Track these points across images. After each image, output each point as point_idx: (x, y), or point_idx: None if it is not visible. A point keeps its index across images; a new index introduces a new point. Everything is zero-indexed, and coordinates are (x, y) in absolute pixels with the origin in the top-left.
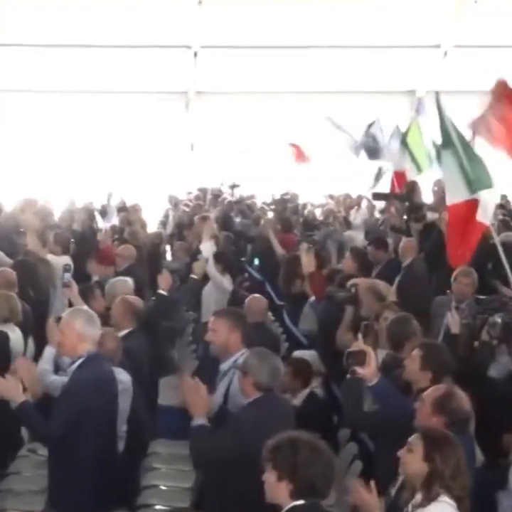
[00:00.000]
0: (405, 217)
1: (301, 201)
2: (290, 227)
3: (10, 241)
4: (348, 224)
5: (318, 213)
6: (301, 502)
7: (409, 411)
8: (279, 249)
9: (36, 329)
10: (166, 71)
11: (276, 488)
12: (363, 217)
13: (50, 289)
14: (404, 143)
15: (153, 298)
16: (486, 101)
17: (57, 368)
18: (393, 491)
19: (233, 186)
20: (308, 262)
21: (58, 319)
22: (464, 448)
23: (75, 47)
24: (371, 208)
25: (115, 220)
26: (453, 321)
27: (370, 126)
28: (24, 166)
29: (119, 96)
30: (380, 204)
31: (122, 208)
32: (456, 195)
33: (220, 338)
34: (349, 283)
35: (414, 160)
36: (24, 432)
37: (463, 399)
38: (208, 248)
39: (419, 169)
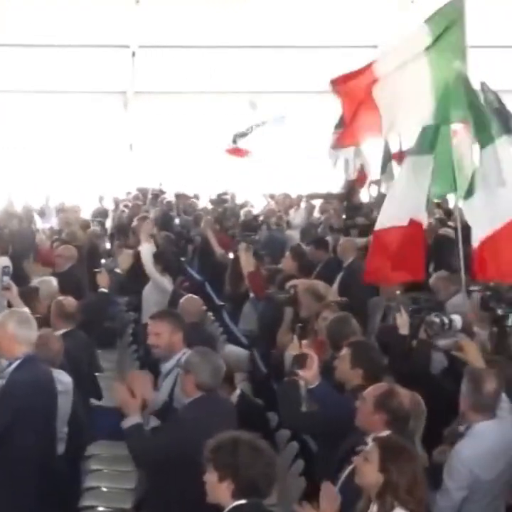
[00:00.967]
0: (344, 216)
1: (239, 201)
2: (229, 227)
3: None
4: (287, 224)
5: (258, 213)
6: (242, 502)
7: (349, 411)
8: (218, 250)
9: None
10: (104, 71)
11: (218, 488)
12: (302, 217)
13: None
14: None
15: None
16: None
17: None
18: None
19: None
20: (247, 262)
21: None
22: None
23: (12, 46)
24: (310, 208)
25: (54, 221)
26: (402, 321)
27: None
28: None
29: (56, 96)
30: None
31: (61, 209)
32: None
33: (164, 341)
34: (288, 284)
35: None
36: None
37: (403, 397)
38: (146, 249)
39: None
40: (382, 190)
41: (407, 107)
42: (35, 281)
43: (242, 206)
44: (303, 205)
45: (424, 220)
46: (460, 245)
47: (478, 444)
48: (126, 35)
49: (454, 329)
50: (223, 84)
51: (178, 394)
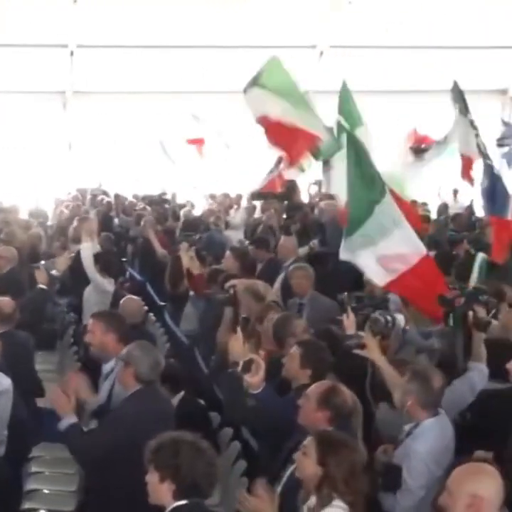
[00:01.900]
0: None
1: (180, 201)
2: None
3: None
4: (226, 224)
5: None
6: (184, 502)
7: (292, 410)
8: (160, 250)
9: None
10: (42, 70)
11: (159, 489)
12: (242, 216)
13: None
14: None
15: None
16: None
17: None
18: (279, 489)
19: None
20: (191, 263)
21: None
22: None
23: None
24: (251, 208)
25: None
26: (348, 322)
27: None
28: None
29: None
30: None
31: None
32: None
33: (96, 339)
34: (227, 284)
35: None
36: None
37: (346, 394)
38: (87, 248)
39: None
40: (323, 190)
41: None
42: None
43: (182, 206)
44: (244, 204)
45: None
46: None
47: (429, 440)
48: (64, 35)
49: (398, 327)
50: (162, 85)
51: (117, 395)
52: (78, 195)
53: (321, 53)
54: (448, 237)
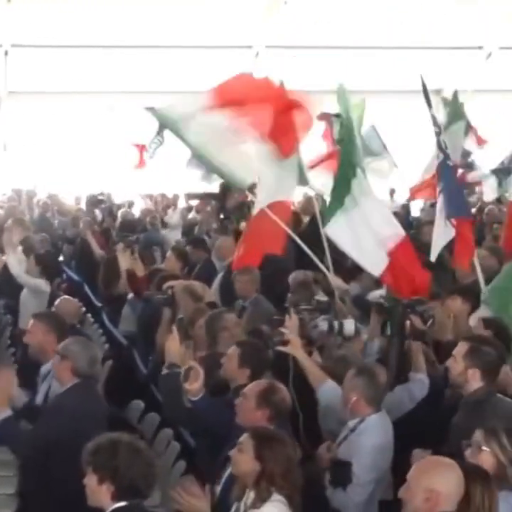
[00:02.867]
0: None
1: (117, 201)
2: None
3: None
4: (162, 223)
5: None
6: (123, 504)
7: (232, 412)
8: (98, 250)
9: None
10: None
11: (98, 491)
12: (178, 216)
13: None
14: None
15: None
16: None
17: None
18: (219, 489)
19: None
20: (125, 262)
21: None
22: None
23: None
24: (188, 208)
25: None
26: (290, 324)
27: None
28: None
29: None
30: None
31: None
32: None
33: (35, 340)
34: (165, 285)
35: None
36: None
37: (284, 392)
38: (12, 259)
39: None
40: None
41: None
42: None
43: (120, 207)
44: (181, 205)
45: None
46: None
47: (375, 435)
48: None
49: (347, 334)
50: (97, 84)
51: (53, 395)
52: (14, 195)
53: (257, 54)
54: None
